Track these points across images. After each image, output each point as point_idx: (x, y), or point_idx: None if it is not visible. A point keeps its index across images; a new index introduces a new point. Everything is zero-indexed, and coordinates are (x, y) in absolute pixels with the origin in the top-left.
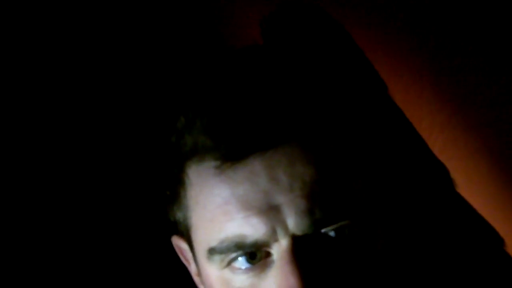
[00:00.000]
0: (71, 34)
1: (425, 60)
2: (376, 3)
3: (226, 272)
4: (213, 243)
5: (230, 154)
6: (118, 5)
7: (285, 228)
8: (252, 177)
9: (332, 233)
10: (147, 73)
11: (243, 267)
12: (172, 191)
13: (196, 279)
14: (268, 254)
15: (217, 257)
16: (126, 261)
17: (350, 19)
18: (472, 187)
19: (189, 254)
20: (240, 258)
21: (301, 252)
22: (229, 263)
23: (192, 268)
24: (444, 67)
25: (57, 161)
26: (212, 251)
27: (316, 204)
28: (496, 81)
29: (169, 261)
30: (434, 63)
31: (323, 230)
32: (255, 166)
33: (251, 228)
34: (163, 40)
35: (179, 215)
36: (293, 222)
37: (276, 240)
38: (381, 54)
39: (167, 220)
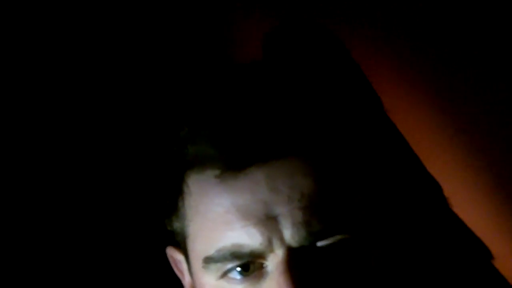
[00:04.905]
0: (82, 46)
1: (428, 82)
2: (379, 23)
3: (222, 283)
4: (211, 251)
5: (231, 163)
6: (127, 19)
7: (281, 239)
8: (253, 186)
9: (328, 246)
10: (151, 84)
11: (238, 278)
12: (171, 201)
13: None
14: (263, 265)
15: (213, 266)
16: (120, 270)
17: (352, 37)
18: (472, 207)
19: (183, 265)
20: (233, 270)
21: (297, 263)
22: (225, 274)
23: (186, 280)
24: (447, 89)
25: (55, 164)
26: (208, 260)
27: (314, 216)
28: (500, 103)
29: (163, 272)
30: (437, 85)
31: (319, 243)
32: (256, 176)
33: (248, 237)
34: (170, 53)
35: (176, 225)
36: (290, 233)
37: (272, 251)
38: (383, 74)
39: (163, 230)
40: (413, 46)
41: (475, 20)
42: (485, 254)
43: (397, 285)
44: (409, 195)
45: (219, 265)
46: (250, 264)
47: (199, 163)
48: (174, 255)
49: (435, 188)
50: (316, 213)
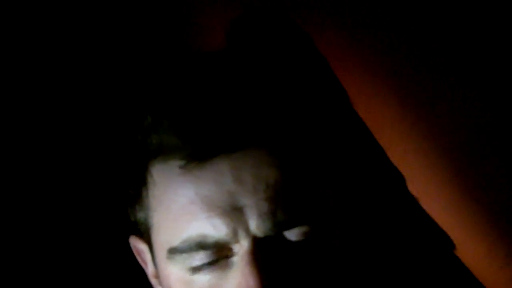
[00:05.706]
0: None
1: (388, 70)
2: (342, 12)
3: (187, 273)
4: (175, 242)
5: (196, 153)
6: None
7: (247, 229)
8: (218, 177)
9: (293, 236)
10: (115, 72)
11: (203, 268)
12: (135, 190)
13: (153, 281)
14: (229, 255)
15: (178, 257)
16: (84, 260)
17: (316, 26)
18: (431, 195)
19: (147, 256)
20: (198, 259)
21: (262, 253)
22: (189, 264)
23: (149, 270)
24: (407, 77)
25: (17, 151)
26: (173, 251)
27: (279, 207)
28: (457, 92)
29: (127, 261)
30: (397, 74)
31: (284, 233)
32: (221, 167)
33: (213, 228)
34: (133, 41)
35: (140, 215)
36: (255, 224)
37: (237, 241)
38: (345, 63)
39: (127, 220)
40: (375, 35)
41: (435, 11)
42: (447, 243)
43: (361, 273)
44: (372, 185)
45: (184, 255)
46: (213, 255)
47: (163, 153)
48: (137, 245)
49: (398, 178)
50: (281, 204)
